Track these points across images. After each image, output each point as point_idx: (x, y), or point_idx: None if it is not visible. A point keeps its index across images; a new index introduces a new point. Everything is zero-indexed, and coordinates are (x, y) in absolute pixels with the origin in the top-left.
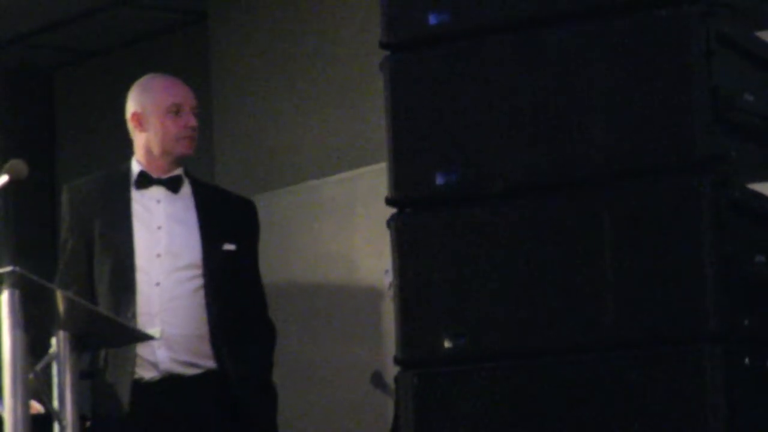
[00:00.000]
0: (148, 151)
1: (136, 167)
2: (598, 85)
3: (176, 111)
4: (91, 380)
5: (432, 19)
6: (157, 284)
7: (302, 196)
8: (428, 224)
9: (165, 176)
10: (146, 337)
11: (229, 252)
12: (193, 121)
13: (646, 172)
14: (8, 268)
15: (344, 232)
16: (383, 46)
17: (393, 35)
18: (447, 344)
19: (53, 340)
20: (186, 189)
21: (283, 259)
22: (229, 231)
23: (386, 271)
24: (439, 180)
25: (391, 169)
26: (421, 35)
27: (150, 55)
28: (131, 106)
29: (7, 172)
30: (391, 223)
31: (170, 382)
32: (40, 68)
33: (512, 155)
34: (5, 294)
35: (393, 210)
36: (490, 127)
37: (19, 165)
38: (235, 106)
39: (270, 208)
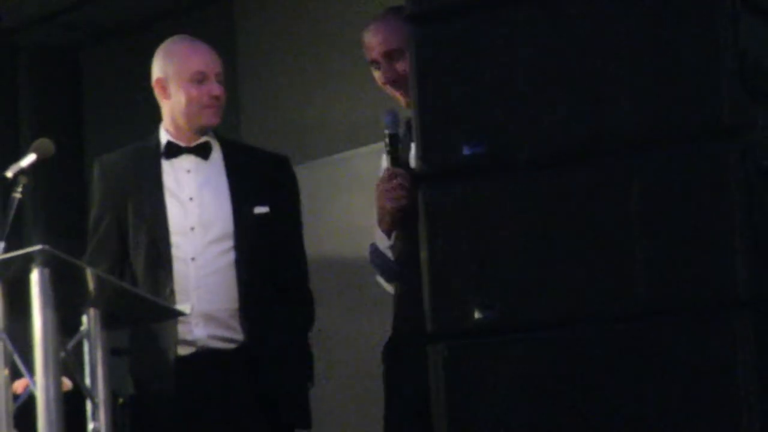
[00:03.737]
0: (174, 120)
1: (164, 137)
2: (624, 53)
3: (200, 80)
4: (129, 357)
5: None
6: (193, 259)
7: (331, 169)
8: (456, 195)
9: (193, 144)
10: (177, 313)
11: (261, 216)
12: (216, 90)
13: (674, 140)
14: (38, 247)
15: (373, 204)
16: (409, 18)
17: (418, 7)
18: (477, 315)
19: (83, 318)
20: (216, 154)
21: (313, 233)
22: (260, 192)
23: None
24: (466, 151)
25: (418, 141)
26: (446, 5)
27: (176, 32)
28: (155, 72)
29: (35, 151)
30: (419, 194)
31: (206, 356)
32: (67, 47)
33: (539, 125)
34: (35, 273)
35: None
36: (516, 97)
37: (46, 144)
38: (262, 80)
39: (299, 181)
